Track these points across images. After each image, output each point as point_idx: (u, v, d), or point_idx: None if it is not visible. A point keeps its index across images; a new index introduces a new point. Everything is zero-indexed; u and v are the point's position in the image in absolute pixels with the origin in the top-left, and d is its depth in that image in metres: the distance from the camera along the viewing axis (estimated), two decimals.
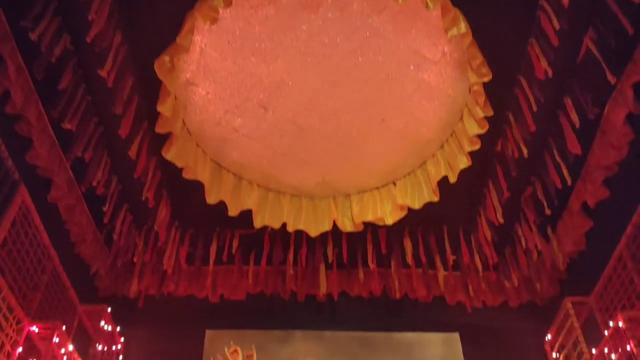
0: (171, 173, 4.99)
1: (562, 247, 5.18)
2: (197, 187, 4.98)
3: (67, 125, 4.19)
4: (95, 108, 4.51)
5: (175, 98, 4.46)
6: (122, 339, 5.53)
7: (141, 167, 4.67)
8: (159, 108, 4.22)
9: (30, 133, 4.14)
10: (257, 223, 5.24)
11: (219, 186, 5.13)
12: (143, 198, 4.86)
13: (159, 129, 4.41)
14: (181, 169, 4.81)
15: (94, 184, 4.66)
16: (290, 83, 4.57)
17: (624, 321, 4.37)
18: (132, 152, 4.51)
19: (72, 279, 5.02)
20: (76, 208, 4.88)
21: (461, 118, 4.75)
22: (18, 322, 4.18)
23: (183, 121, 4.73)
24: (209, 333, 5.53)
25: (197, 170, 4.89)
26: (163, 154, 4.61)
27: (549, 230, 5.27)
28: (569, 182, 4.60)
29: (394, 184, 5.36)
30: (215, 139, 4.97)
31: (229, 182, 5.21)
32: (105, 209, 4.86)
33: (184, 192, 5.30)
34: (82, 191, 4.80)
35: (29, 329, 4.29)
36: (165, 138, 4.60)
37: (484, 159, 4.88)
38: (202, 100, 4.65)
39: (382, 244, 5.61)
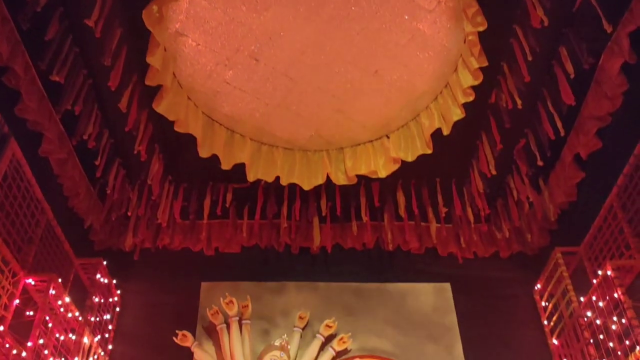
0: (163, 127, 4.95)
1: (554, 198, 5.22)
2: (190, 141, 4.94)
3: (55, 77, 4.11)
4: (83, 60, 4.42)
5: (165, 49, 4.39)
6: (118, 291, 5.61)
7: (132, 120, 4.62)
8: (149, 59, 4.16)
9: (18, 85, 4.07)
10: (251, 177, 5.24)
11: (212, 140, 5.09)
12: (135, 152, 4.83)
13: (149, 81, 4.35)
14: (173, 123, 4.76)
15: (85, 137, 4.61)
16: (282, 34, 4.49)
17: (613, 270, 4.45)
18: (123, 105, 4.45)
19: (67, 233, 5.05)
20: (68, 162, 4.85)
21: (455, 69, 4.70)
22: (14, 275, 4.22)
23: (173, 74, 4.66)
24: (204, 285, 5.60)
25: (188, 123, 4.85)
26: (154, 107, 4.55)
27: (541, 182, 5.31)
28: (562, 133, 4.60)
29: (388, 137, 5.34)
30: (207, 92, 4.91)
31: (221, 135, 5.17)
32: (97, 162, 4.83)
33: (176, 146, 5.28)
34: (73, 144, 4.76)
35: (25, 282, 4.33)
36: (155, 91, 4.55)
37: (478, 110, 4.84)
38: (192, 51, 4.56)
39: (375, 197, 5.65)
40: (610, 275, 4.46)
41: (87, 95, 4.55)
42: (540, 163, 4.89)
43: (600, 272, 4.62)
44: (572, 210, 5.35)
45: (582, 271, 5.20)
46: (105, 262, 5.37)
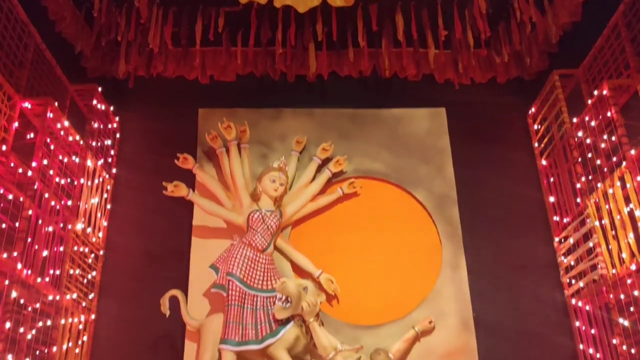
0: None
1: (557, 19, 5.04)
2: None
3: None
4: None
5: None
6: (117, 118, 5.65)
7: None
8: None
9: None
10: None
11: None
12: None
13: None
14: None
15: None
16: None
17: (609, 89, 4.46)
18: None
19: (58, 59, 4.97)
20: None
21: None
22: (9, 99, 4.22)
23: None
24: (202, 111, 5.62)
25: None
26: None
27: (545, 2, 5.10)
28: None
29: None
30: None
31: None
32: None
33: None
34: None
35: (21, 105, 4.34)
36: None
37: None
38: None
39: (372, 21, 5.43)
40: (606, 95, 4.47)
41: None
42: None
43: (596, 92, 4.63)
44: (574, 32, 5.21)
45: (577, 94, 5.21)
46: (100, 89, 5.34)
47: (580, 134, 4.88)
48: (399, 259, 5.13)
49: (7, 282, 3.83)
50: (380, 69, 5.85)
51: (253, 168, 5.29)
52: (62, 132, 4.66)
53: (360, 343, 4.62)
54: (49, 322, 4.35)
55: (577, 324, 4.88)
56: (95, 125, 5.26)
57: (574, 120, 4.99)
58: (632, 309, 4.28)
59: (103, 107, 5.39)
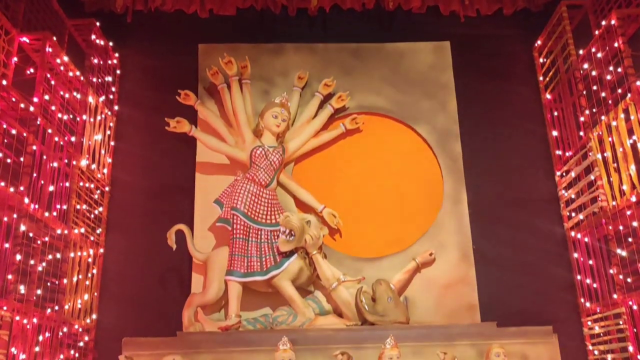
0: None
1: None
2: None
3: None
4: None
5: None
6: (116, 54, 5.57)
7: None
8: None
9: None
10: None
11: None
12: None
13: None
14: None
15: None
16: None
17: (617, 19, 4.36)
18: None
19: None
20: None
21: None
22: (7, 33, 4.17)
23: None
24: (202, 47, 5.52)
25: None
26: None
27: None
28: None
29: None
30: None
31: None
32: None
33: None
34: None
35: (19, 40, 4.29)
36: None
37: None
38: None
39: None
40: (614, 25, 4.38)
41: None
42: None
43: (604, 23, 4.53)
44: None
45: (585, 26, 5.10)
46: (98, 24, 5.25)
47: (586, 66, 4.81)
48: (401, 193, 5.18)
49: (15, 215, 3.90)
50: (384, 0, 5.69)
51: (255, 104, 5.25)
52: (62, 68, 4.62)
53: (362, 274, 4.74)
54: (58, 255, 4.46)
55: (576, 255, 4.97)
56: (95, 61, 5.20)
57: (580, 52, 4.91)
58: (630, 239, 4.35)
59: (102, 43, 5.32)
